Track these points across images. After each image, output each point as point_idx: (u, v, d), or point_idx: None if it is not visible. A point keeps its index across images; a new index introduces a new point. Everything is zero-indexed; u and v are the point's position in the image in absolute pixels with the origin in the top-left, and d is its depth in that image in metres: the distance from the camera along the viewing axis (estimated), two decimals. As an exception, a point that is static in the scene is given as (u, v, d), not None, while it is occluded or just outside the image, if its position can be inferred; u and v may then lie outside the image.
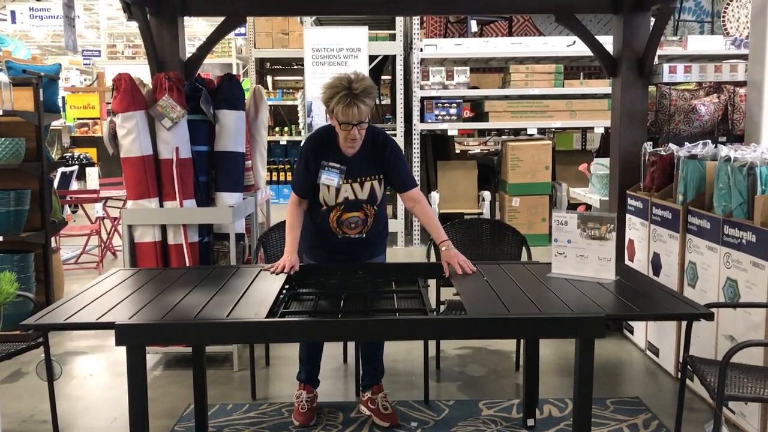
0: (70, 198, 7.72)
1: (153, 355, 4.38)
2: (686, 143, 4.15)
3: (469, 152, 10.44)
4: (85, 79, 19.18)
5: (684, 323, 3.34)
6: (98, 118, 12.79)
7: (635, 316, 2.73)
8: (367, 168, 3.19)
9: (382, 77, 10.20)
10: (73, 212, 9.61)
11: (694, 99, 4.90)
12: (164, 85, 4.08)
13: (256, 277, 3.12)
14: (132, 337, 2.40)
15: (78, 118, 12.92)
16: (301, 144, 3.27)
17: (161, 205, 4.14)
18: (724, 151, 3.60)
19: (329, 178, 3.12)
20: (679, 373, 3.26)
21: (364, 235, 3.29)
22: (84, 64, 17.50)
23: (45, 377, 3.33)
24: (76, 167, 8.22)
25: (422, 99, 7.87)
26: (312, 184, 3.19)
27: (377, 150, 3.22)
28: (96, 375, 4.18)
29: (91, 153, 11.56)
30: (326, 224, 3.24)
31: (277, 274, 3.12)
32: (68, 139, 12.14)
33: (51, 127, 11.17)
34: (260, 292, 2.87)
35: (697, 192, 3.80)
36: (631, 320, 4.35)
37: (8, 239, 4.56)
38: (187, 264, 4.09)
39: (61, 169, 7.54)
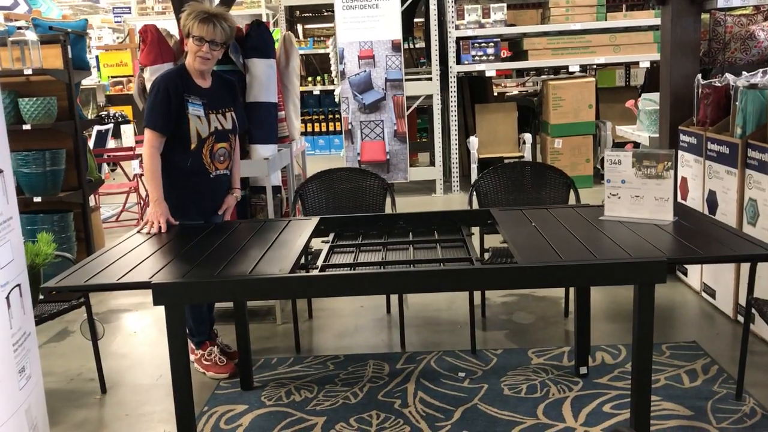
0: (107, 156, 7.72)
1: (196, 311, 4.36)
2: (743, 72, 3.88)
3: (508, 94, 10.13)
4: (117, 38, 19.08)
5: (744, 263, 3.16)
6: (131, 75, 12.74)
7: (698, 259, 2.56)
8: (224, 99, 3.34)
9: (415, 20, 9.87)
10: (112, 170, 9.66)
11: (752, 24, 4.57)
12: (191, 35, 3.94)
13: (284, 228, 3.03)
14: (170, 296, 2.33)
15: (112, 77, 12.89)
16: (154, 82, 3.25)
17: (195, 160, 4.05)
18: (789, 78, 3.34)
19: (196, 110, 3.20)
20: (739, 316, 3.11)
21: (228, 172, 3.38)
22: (115, 22, 17.39)
23: (89, 337, 3.33)
24: (111, 125, 8.20)
25: (458, 39, 7.59)
26: (176, 119, 3.16)
27: (227, 85, 3.42)
28: (140, 332, 4.19)
29: (127, 111, 11.55)
30: (200, 161, 3.23)
31: (151, 233, 3.05)
32: (103, 98, 12.13)
33: (85, 87, 11.19)
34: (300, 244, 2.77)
35: (757, 124, 3.55)
36: (695, 263, 4.14)
37: (46, 199, 4.55)
38: (227, 218, 4.01)
39: (96, 128, 7.53)
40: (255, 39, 4.15)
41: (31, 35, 4.56)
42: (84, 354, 3.75)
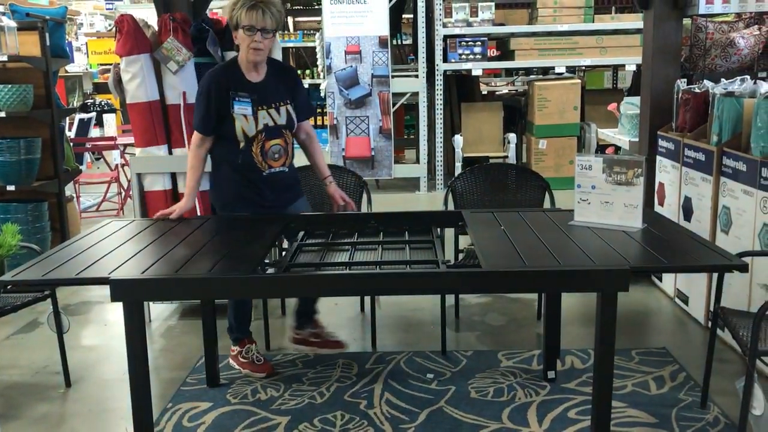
0: (91, 145, 7.65)
1: (168, 305, 4.33)
2: (723, 80, 3.88)
3: (497, 93, 10.11)
4: (109, 25, 18.95)
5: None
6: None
7: (662, 269, 2.56)
8: (279, 92, 3.18)
9: (404, 16, 9.84)
10: (97, 159, 9.57)
11: (732, 32, 4.57)
12: (168, 26, 3.90)
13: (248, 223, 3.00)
14: (128, 293, 2.30)
15: (100, 64, 12.78)
16: (202, 79, 3.17)
17: (170, 153, 4.02)
18: (764, 87, 3.35)
19: (242, 108, 3.06)
20: (710, 323, 3.10)
21: (286, 169, 3.23)
22: (107, 9, 17.24)
23: (55, 329, 3.29)
24: (94, 114, 8.12)
25: (445, 37, 7.57)
26: (219, 118, 3.08)
27: (282, 73, 3.25)
28: (112, 324, 4.15)
29: (113, 99, 11.45)
30: (250, 159, 3.11)
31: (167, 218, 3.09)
32: (90, 86, 12.03)
33: (72, 74, 11.08)
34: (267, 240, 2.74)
35: (733, 132, 3.55)
36: (658, 272, 4.15)
37: (21, 189, 4.50)
38: (198, 213, 3.98)
39: (78, 116, 7.47)
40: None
41: (8, 21, 4.50)
42: (51, 346, 3.69)
